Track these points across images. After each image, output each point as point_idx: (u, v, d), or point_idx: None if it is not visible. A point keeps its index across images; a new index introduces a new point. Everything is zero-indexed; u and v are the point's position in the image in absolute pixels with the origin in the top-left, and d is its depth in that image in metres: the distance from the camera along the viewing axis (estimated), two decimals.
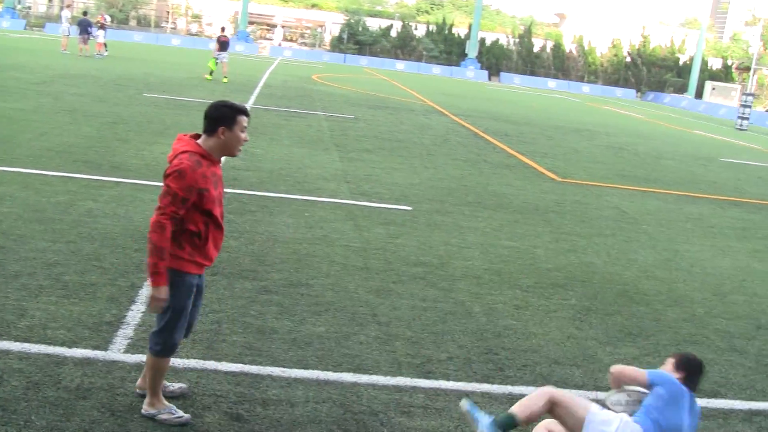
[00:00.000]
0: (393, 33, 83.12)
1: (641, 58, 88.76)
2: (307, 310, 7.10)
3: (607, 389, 6.25)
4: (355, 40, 79.43)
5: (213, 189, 4.74)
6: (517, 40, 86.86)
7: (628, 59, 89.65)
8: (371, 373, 5.98)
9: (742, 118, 46.56)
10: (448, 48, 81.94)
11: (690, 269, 10.47)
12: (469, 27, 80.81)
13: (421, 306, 7.60)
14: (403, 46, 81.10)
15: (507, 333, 7.21)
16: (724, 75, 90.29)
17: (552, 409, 4.68)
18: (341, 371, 5.94)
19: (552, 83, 79.40)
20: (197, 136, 4.82)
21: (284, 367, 5.88)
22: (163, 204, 4.57)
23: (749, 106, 47.19)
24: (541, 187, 15.34)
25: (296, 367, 5.90)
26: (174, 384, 5.28)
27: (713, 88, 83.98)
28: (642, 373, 4.83)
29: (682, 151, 26.42)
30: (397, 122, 23.99)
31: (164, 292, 4.62)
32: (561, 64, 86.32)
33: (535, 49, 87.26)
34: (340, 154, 16.16)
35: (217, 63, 31.51)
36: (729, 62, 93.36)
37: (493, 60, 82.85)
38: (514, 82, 76.58)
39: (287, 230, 9.78)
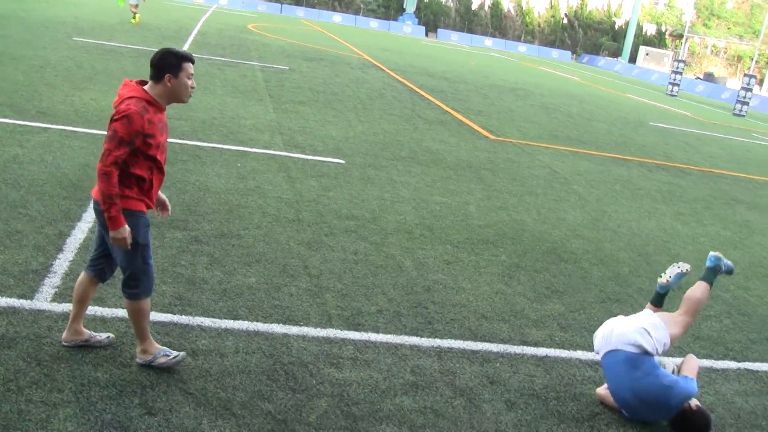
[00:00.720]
0: None
1: (578, 21, 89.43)
2: (237, 261, 7.09)
3: (533, 343, 6.40)
4: None
5: (159, 135, 4.77)
6: None
7: (565, 21, 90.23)
8: (301, 325, 6.01)
9: (673, 84, 47.38)
10: (386, 2, 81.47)
11: (617, 230, 10.68)
12: None
13: (352, 259, 7.64)
14: None
15: (437, 287, 7.30)
16: (658, 41, 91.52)
17: None
18: (271, 322, 5.96)
19: (489, 41, 79.52)
20: (143, 83, 4.82)
21: (214, 317, 5.88)
22: (108, 147, 4.56)
23: (680, 73, 48.01)
24: (475, 144, 15.44)
25: (226, 318, 5.91)
26: (101, 334, 5.24)
27: (647, 54, 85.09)
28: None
29: (614, 115, 26.77)
30: (332, 75, 23.85)
31: (124, 230, 4.64)
32: (499, 23, 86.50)
33: (474, 7, 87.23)
34: (275, 106, 16.04)
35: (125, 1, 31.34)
36: (663, 29, 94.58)
37: (431, 16, 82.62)
38: (452, 39, 76.52)
39: (219, 181, 9.71)
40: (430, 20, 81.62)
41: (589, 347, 6.56)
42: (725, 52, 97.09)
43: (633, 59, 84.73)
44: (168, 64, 4.76)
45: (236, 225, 8.11)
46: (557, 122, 21.63)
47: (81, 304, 5.09)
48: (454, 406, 5.18)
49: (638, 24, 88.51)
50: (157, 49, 4.96)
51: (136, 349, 5.06)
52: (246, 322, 5.90)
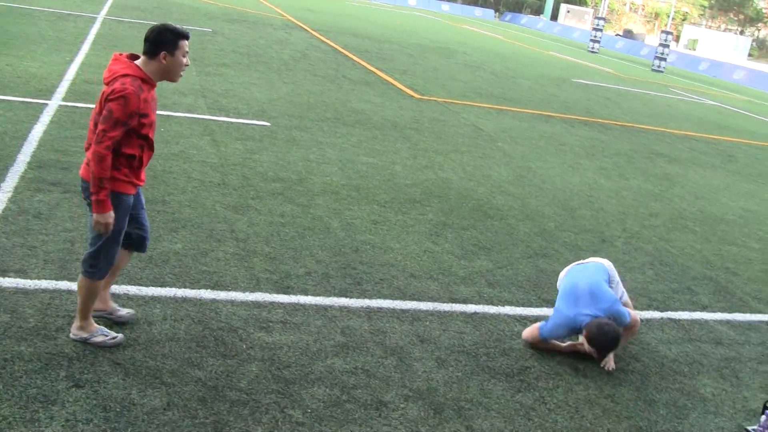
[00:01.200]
0: None
1: None
2: (163, 227, 6.98)
3: (462, 301, 6.46)
4: None
5: (152, 113, 4.68)
6: None
7: None
8: (229, 290, 5.97)
9: (594, 42, 47.94)
10: None
11: (542, 185, 10.81)
12: None
13: (279, 222, 7.60)
14: None
15: (365, 248, 7.31)
16: None
17: None
18: (199, 288, 5.90)
19: (412, 1, 79.28)
20: (134, 57, 4.70)
21: (140, 285, 5.80)
22: (104, 128, 4.43)
23: (601, 30, 48.59)
24: (400, 104, 15.42)
25: (153, 285, 5.83)
26: (123, 309, 5.23)
27: (568, 11, 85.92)
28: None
29: (537, 72, 26.98)
30: (256, 37, 23.53)
31: (110, 216, 4.54)
32: None
33: None
34: (198, 69, 15.76)
35: None
36: None
37: None
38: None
39: None
40: None
41: (518, 302, 6.66)
42: (643, 9, 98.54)
43: (555, 17, 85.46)
44: (164, 40, 4.64)
45: (161, 191, 7.98)
46: (481, 80, 21.72)
47: (110, 272, 5.02)
48: (385, 366, 5.21)
49: None
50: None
51: (73, 325, 4.93)
52: (173, 288, 5.83)
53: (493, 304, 6.57)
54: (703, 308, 7.40)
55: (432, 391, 5.01)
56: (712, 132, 20.04)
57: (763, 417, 4.45)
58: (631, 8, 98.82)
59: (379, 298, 6.28)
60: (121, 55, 4.69)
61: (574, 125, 16.59)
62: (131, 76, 4.53)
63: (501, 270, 7.36)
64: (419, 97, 16.70)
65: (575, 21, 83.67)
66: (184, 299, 5.68)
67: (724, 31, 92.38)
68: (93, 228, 4.62)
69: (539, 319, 6.36)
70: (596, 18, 50.58)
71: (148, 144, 4.74)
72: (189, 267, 6.24)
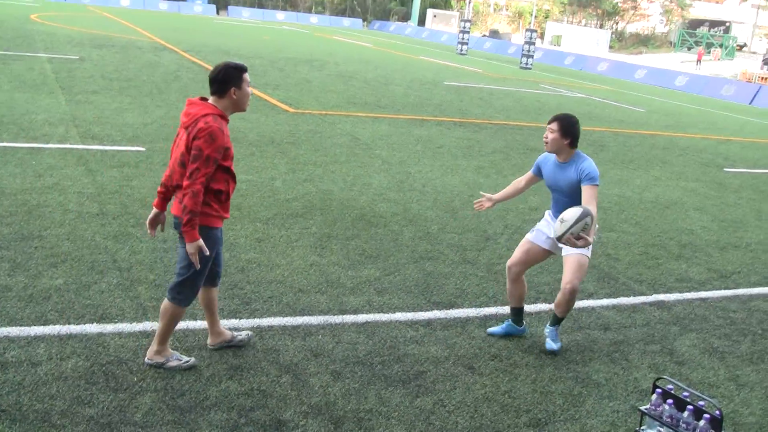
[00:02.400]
0: None
1: None
2: (42, 263, 6.78)
3: (352, 311, 6.49)
4: None
5: (231, 146, 5.06)
6: None
7: None
8: (116, 322, 5.83)
9: (462, 44, 48.87)
10: None
11: (422, 189, 10.95)
12: None
13: (162, 248, 7.47)
14: None
15: (250, 267, 7.26)
16: (444, 3, 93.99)
17: (516, 273, 6.27)
18: (84, 323, 5.75)
19: (281, 15, 79.23)
20: (204, 99, 5.07)
21: (22, 325, 5.61)
22: (197, 166, 4.78)
23: (468, 32, 49.62)
24: (275, 119, 15.38)
25: (35, 324, 5.64)
26: (241, 333, 5.70)
27: (434, 16, 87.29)
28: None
29: (409, 77, 27.31)
30: (125, 61, 23.10)
31: (199, 244, 4.87)
32: None
33: None
34: (67, 97, 15.37)
35: None
36: None
37: None
38: (243, 16, 75.74)
39: (14, 181, 9.23)
40: None
41: (408, 308, 6.72)
42: (507, 10, 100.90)
43: (422, 22, 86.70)
44: (231, 77, 5.01)
45: (37, 225, 7.74)
46: (354, 89, 21.85)
47: (208, 310, 5.52)
48: (281, 384, 5.18)
49: None
50: None
51: (149, 350, 5.23)
52: (57, 326, 5.66)
53: (383, 311, 6.61)
54: (589, 296, 7.62)
55: (330, 405, 5.01)
56: (582, 123, 20.59)
57: (654, 396, 4.61)
58: (495, 9, 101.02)
59: (269, 316, 6.25)
60: (193, 99, 5.07)
61: (449, 127, 16.86)
62: (212, 115, 4.91)
63: (389, 277, 7.42)
64: (294, 110, 16.68)
65: (442, 25, 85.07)
66: (69, 336, 5.53)
67: (585, 26, 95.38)
68: (183, 258, 5.04)
69: (431, 323, 6.45)
70: (462, 20, 51.57)
71: (232, 176, 5.11)
72: (72, 302, 6.08)
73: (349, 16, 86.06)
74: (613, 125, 21.23)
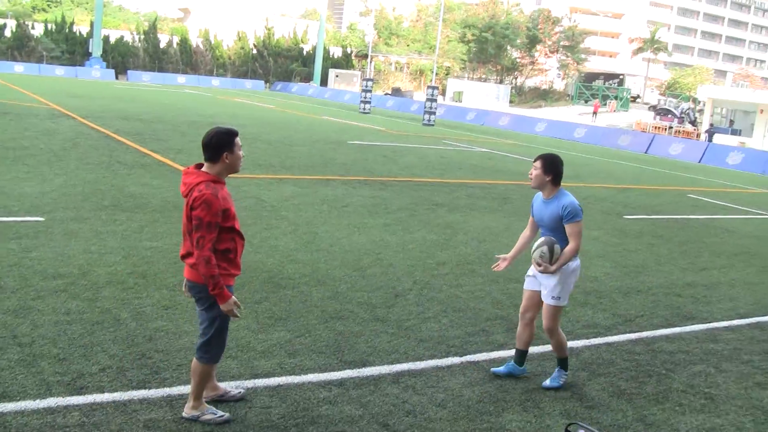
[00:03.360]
0: (7, 33, 78.19)
1: (267, 50, 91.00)
2: None
3: (264, 375, 6.40)
4: None
5: (231, 207, 5.33)
6: (143, 36, 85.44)
7: (255, 51, 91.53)
8: (18, 400, 5.62)
9: (365, 102, 49.46)
10: (70, 47, 78.74)
11: (330, 249, 10.94)
12: (91, 24, 78.49)
13: (65, 320, 7.26)
14: (21, 47, 76.70)
15: (159, 335, 7.11)
16: (345, 62, 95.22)
17: (529, 318, 6.91)
18: None
19: (182, 79, 78.96)
20: (200, 165, 5.34)
21: None
22: (200, 235, 5.07)
23: (370, 91, 50.25)
24: (179, 183, 15.19)
25: None
26: (234, 390, 5.91)
27: (337, 76, 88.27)
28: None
29: (313, 137, 27.44)
30: (20, 129, 22.61)
31: (231, 302, 5.19)
32: (189, 59, 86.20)
33: (162, 45, 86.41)
34: None
35: None
36: (348, 50, 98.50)
37: (119, 58, 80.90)
38: (143, 80, 75.27)
39: None
40: (119, 62, 79.95)
41: (320, 368, 6.66)
42: (408, 68, 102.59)
43: (324, 82, 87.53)
44: (223, 142, 5.22)
45: None
46: (259, 151, 21.82)
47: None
48: None
49: (325, 48, 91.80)
50: None
51: (186, 405, 5.52)
52: None
53: (295, 373, 6.54)
54: (500, 347, 7.68)
55: None
56: (486, 178, 21.03)
57: None
58: (396, 67, 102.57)
59: (180, 384, 6.11)
60: (189, 167, 5.36)
61: (354, 186, 16.94)
62: (204, 182, 5.17)
63: (299, 338, 7.36)
64: None
65: (345, 84, 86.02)
66: None
67: (486, 81, 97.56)
68: (204, 319, 5.35)
69: (344, 383, 6.41)
70: (364, 80, 52.19)
71: (238, 234, 5.37)
72: None
73: (251, 78, 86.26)
74: (516, 178, 21.64)
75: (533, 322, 6.89)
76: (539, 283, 6.72)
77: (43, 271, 8.74)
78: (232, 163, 5.28)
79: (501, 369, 6.95)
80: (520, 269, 10.83)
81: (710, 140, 50.91)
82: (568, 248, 6.49)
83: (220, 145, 5.21)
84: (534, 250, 6.53)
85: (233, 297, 5.20)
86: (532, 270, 6.77)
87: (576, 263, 6.69)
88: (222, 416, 5.48)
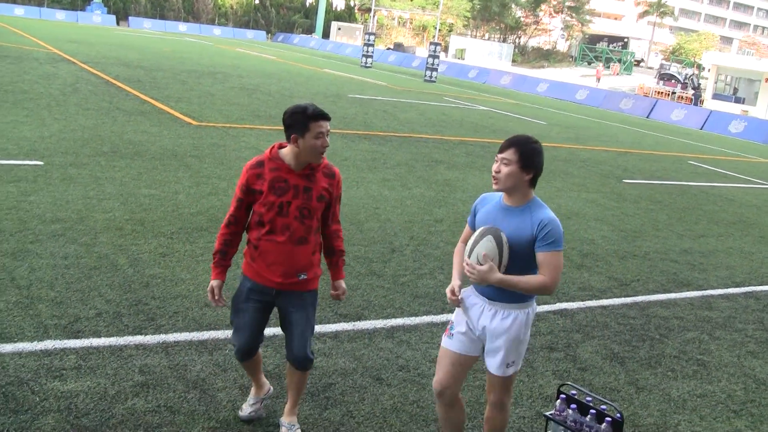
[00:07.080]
0: None
1: (269, 0, 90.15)
2: None
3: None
4: None
5: (271, 194, 4.57)
6: None
7: (257, 1, 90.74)
8: (15, 341, 5.65)
9: (366, 56, 49.10)
10: None
11: None
12: None
13: (62, 264, 7.28)
14: None
15: (155, 282, 7.14)
16: (348, 16, 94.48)
17: (450, 397, 4.55)
18: None
19: (183, 27, 78.41)
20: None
21: None
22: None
23: (372, 45, 49.87)
24: (178, 132, 15.18)
25: None
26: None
27: (339, 29, 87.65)
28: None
29: (313, 90, 27.31)
30: (20, 72, 22.48)
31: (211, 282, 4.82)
32: (191, 7, 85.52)
33: None
34: None
35: None
36: (352, 3, 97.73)
37: (121, 4, 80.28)
38: (144, 27, 74.72)
39: None
40: (120, 8, 79.33)
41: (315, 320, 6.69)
42: (411, 23, 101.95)
43: (326, 35, 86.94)
44: (292, 123, 4.42)
45: None
46: (258, 102, 21.74)
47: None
48: (189, 400, 5.11)
49: (328, 0, 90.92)
50: None
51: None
52: None
53: None
54: None
55: (239, 420, 4.96)
56: (485, 136, 20.99)
57: (558, 401, 4.69)
58: (399, 22, 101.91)
59: (175, 331, 6.15)
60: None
61: (353, 140, 16.90)
62: (258, 156, 4.55)
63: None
64: (197, 123, 16.50)
65: (347, 38, 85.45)
66: None
67: (489, 40, 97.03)
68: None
69: (338, 335, 6.43)
70: (367, 33, 51.80)
71: (267, 230, 4.58)
72: None
73: (252, 29, 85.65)
74: None
75: (459, 396, 4.60)
76: (477, 344, 4.46)
77: (41, 215, 8.74)
78: (302, 150, 4.42)
79: None
80: None
81: (695, 103, 51.43)
82: (536, 279, 4.17)
83: (289, 124, 4.43)
84: (470, 252, 4.21)
85: (213, 281, 4.80)
86: (463, 323, 4.45)
87: (533, 308, 4.47)
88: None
